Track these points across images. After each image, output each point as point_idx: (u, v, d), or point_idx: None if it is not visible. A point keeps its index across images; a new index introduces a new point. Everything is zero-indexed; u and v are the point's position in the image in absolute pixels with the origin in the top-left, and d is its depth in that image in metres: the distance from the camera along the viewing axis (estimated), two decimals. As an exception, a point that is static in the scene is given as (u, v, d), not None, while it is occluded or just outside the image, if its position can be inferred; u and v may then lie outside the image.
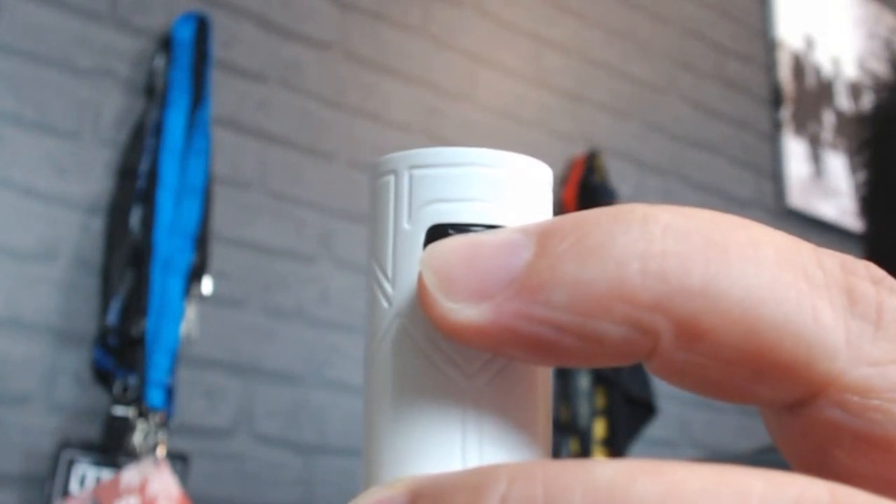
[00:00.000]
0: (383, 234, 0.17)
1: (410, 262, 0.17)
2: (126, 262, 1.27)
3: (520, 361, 0.16)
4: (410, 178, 0.17)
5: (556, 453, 1.64)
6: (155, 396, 1.22)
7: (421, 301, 0.16)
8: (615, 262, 0.14)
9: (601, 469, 0.13)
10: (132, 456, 1.18)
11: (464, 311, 0.15)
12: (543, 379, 0.17)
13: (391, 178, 0.18)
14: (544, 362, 0.16)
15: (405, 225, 0.17)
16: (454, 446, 0.16)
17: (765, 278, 0.15)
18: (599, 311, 0.15)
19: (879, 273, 0.15)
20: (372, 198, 0.18)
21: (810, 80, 2.33)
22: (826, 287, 0.15)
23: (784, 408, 0.16)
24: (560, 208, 1.76)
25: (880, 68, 2.47)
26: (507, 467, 0.13)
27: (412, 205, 0.17)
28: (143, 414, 1.21)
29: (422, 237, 0.17)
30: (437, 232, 0.17)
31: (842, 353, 0.15)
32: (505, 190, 0.17)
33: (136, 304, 1.24)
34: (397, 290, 0.17)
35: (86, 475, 1.17)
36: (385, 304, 0.17)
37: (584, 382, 1.69)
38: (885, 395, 0.15)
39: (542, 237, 0.15)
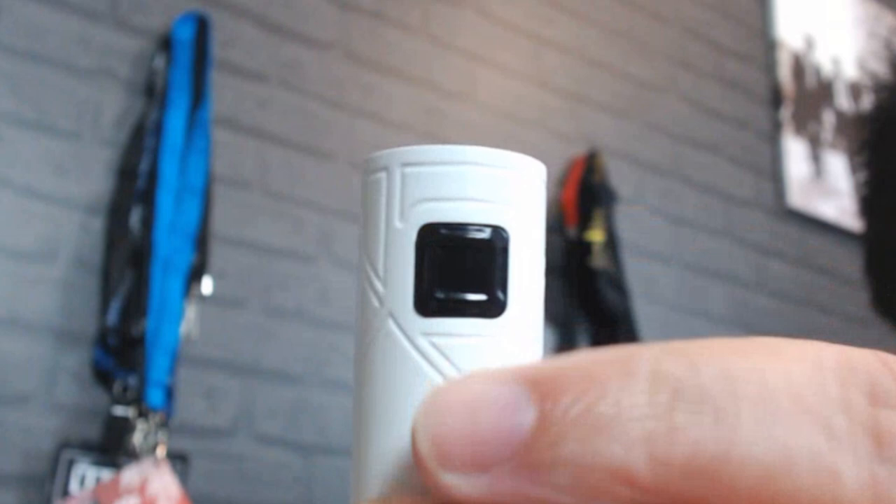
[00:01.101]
0: (374, 232, 0.17)
1: (402, 260, 0.17)
2: (126, 262, 1.27)
3: None
4: (402, 175, 0.17)
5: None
6: (155, 396, 1.22)
7: (418, 469, 0.15)
8: (621, 445, 0.14)
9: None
10: (132, 456, 1.18)
11: (461, 486, 0.14)
12: None
13: (383, 174, 0.17)
14: None
15: (397, 223, 0.17)
16: None
17: (778, 445, 0.14)
18: (601, 493, 0.14)
19: None
20: (363, 194, 0.18)
21: (810, 80, 2.33)
22: (849, 436, 0.14)
23: None
24: (560, 208, 1.76)
25: (880, 68, 2.47)
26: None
27: (404, 203, 0.17)
28: (143, 414, 1.21)
29: (413, 236, 0.17)
30: (429, 231, 0.17)
31: None
32: (497, 188, 0.17)
33: (136, 304, 1.24)
34: (388, 288, 0.17)
35: (86, 475, 1.17)
36: (376, 303, 0.17)
37: (584, 382, 1.69)
38: None
39: (543, 398, 0.14)
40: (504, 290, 0.17)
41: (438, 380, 0.16)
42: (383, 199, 0.17)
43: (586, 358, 0.15)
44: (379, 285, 0.17)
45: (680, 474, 0.14)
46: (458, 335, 0.17)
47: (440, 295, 0.17)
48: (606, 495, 0.14)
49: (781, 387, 0.14)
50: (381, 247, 0.17)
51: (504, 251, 0.17)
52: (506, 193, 0.17)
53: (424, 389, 0.16)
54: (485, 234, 0.17)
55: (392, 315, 0.17)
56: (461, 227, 0.17)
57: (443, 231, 0.17)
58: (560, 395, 0.14)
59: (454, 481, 0.14)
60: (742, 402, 0.14)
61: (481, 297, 0.17)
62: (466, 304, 0.17)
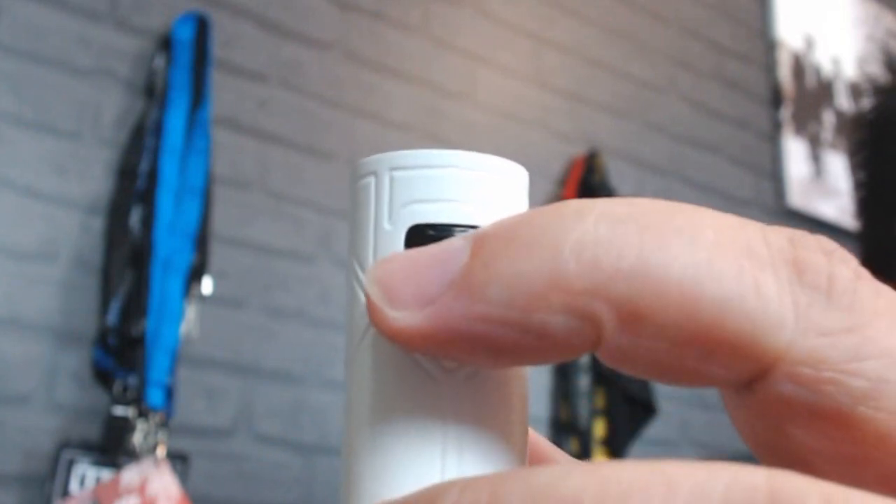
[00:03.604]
0: (364, 233, 0.18)
1: None
2: (126, 262, 1.27)
3: (469, 363, 0.16)
4: (391, 179, 0.18)
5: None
6: (155, 396, 1.22)
7: (369, 315, 0.16)
8: (548, 252, 0.15)
9: (542, 471, 0.13)
10: (132, 456, 1.19)
11: (407, 318, 0.15)
12: (518, 373, 0.18)
13: (372, 179, 0.18)
14: (494, 362, 0.16)
15: (386, 225, 0.18)
16: (434, 441, 0.16)
17: (702, 257, 0.15)
18: (538, 303, 0.15)
19: (831, 245, 0.15)
20: (352, 198, 0.18)
21: (810, 80, 2.33)
22: (770, 260, 0.15)
23: (739, 387, 0.15)
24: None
25: (878, 70, 2.47)
26: (461, 480, 0.14)
27: (392, 205, 0.18)
28: (143, 414, 1.21)
29: (402, 237, 0.17)
30: (417, 232, 0.17)
31: (789, 325, 0.14)
32: (482, 191, 0.18)
33: (136, 304, 1.24)
34: None
35: (86, 475, 1.17)
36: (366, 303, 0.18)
37: (584, 382, 1.69)
38: (837, 367, 0.14)
39: (478, 240, 0.15)
40: None
41: (427, 377, 0.17)
42: (372, 202, 0.18)
43: (519, 214, 0.16)
44: None
45: (607, 274, 0.14)
46: None
47: None
48: (542, 304, 0.15)
49: (707, 223, 0.15)
50: (371, 248, 0.18)
51: None
52: (489, 196, 0.18)
53: (413, 386, 0.17)
54: None
55: None
56: (447, 227, 0.17)
57: (430, 232, 0.17)
58: (492, 234, 0.15)
59: (402, 316, 0.15)
60: (667, 226, 0.15)
61: None
62: None
